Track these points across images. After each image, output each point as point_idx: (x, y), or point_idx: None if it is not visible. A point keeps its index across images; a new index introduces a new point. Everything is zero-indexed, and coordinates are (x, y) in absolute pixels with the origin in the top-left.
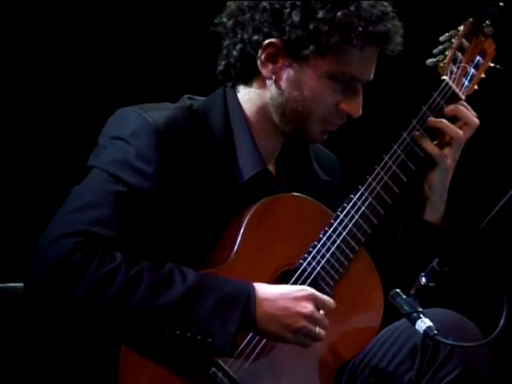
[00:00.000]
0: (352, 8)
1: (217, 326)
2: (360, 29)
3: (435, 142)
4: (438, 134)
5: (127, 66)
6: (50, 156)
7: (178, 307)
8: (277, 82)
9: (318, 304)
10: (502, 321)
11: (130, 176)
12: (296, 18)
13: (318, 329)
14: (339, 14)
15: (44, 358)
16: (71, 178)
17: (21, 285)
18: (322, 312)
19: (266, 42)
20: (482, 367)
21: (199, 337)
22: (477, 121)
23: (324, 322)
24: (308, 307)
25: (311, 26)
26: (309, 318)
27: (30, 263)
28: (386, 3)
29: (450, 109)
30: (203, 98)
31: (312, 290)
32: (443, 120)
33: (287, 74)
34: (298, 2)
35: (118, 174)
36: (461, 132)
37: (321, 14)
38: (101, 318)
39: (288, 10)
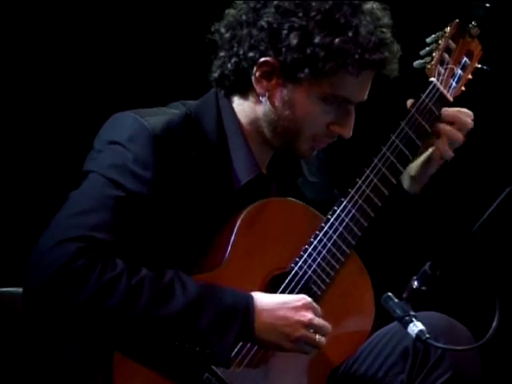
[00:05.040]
0: (350, 34)
1: (215, 338)
2: (356, 56)
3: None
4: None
5: (121, 70)
6: (47, 160)
7: (178, 319)
8: (270, 99)
9: (317, 311)
10: (493, 324)
11: (128, 181)
12: (293, 40)
13: (317, 336)
14: (337, 40)
15: (37, 362)
16: (68, 182)
17: (17, 289)
18: (320, 320)
19: (262, 60)
20: (473, 370)
21: (198, 348)
22: (471, 123)
23: (324, 328)
24: (307, 315)
25: (308, 51)
26: (308, 326)
27: (30, 268)
28: (384, 29)
29: (448, 113)
30: (194, 102)
31: (310, 299)
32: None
33: (280, 93)
34: (296, 25)
35: (116, 178)
36: (461, 136)
37: (318, 38)
38: (100, 326)
39: (286, 31)
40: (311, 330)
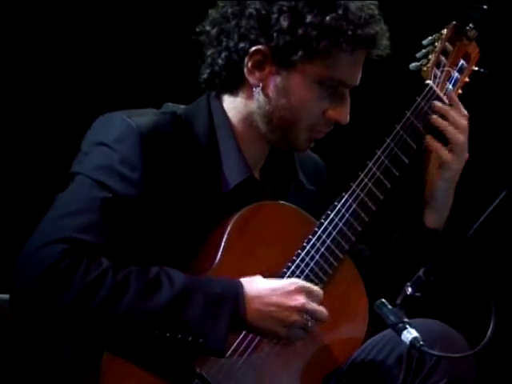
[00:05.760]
0: (340, 11)
1: (207, 326)
2: (349, 33)
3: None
4: (423, 139)
5: (109, 72)
6: (33, 164)
7: (167, 310)
8: (264, 90)
9: (310, 295)
10: (489, 331)
11: (115, 182)
12: (284, 23)
13: (311, 320)
14: (328, 18)
15: (30, 366)
16: (54, 186)
17: (5, 296)
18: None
19: (253, 49)
20: (468, 378)
21: (190, 338)
22: (466, 123)
23: (318, 312)
24: (300, 299)
25: (300, 31)
26: (301, 310)
27: (17, 270)
28: (372, 6)
29: (438, 106)
30: (185, 106)
31: (302, 282)
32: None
33: (274, 82)
34: (285, 8)
35: (102, 180)
36: (462, 136)
37: (309, 18)
38: (89, 324)
39: (275, 15)
40: (304, 315)
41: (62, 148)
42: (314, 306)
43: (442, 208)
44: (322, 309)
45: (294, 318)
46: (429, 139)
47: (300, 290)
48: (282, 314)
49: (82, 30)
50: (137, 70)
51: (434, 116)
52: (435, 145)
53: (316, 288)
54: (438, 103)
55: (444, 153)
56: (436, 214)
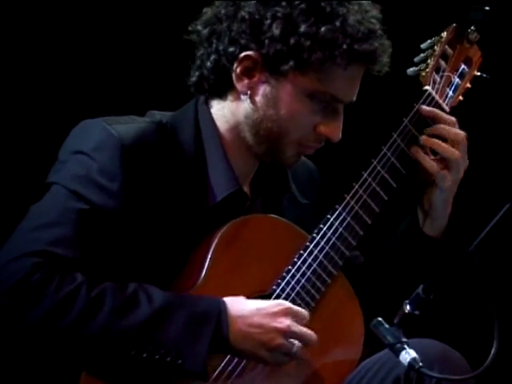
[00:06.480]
0: (337, 23)
1: (187, 347)
2: (345, 46)
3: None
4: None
5: (90, 76)
6: (7, 174)
7: (144, 328)
8: (252, 99)
9: (296, 318)
10: (492, 352)
11: (93, 193)
12: (276, 30)
13: (296, 345)
14: (323, 29)
15: None
16: (29, 195)
17: None
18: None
19: (243, 54)
20: None
21: (168, 359)
22: (462, 134)
23: (305, 336)
24: (285, 322)
25: (292, 41)
26: (287, 333)
27: None
28: (374, 20)
29: (430, 129)
30: (171, 113)
31: (289, 304)
32: (435, 140)
33: (263, 90)
34: (279, 14)
35: (79, 190)
36: (456, 151)
37: (303, 27)
38: (62, 342)
39: (268, 21)
40: (290, 339)
41: (38, 157)
42: (300, 328)
43: (440, 216)
44: (309, 332)
45: (278, 342)
46: (420, 158)
47: (286, 312)
48: (266, 336)
49: (65, 29)
50: (121, 73)
51: (424, 137)
52: (428, 164)
53: (302, 310)
54: (425, 108)
55: (436, 170)
56: (434, 221)
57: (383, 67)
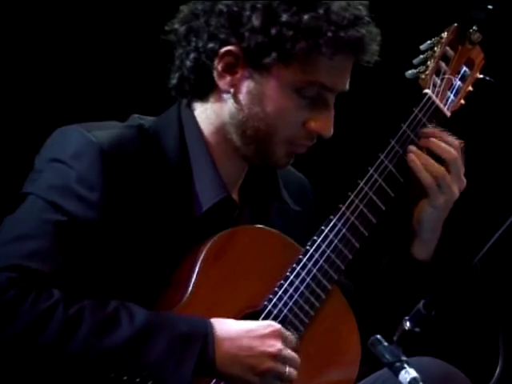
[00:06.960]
0: (321, 11)
1: (170, 370)
2: (329, 34)
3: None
4: None
5: (67, 81)
6: None
7: (125, 349)
8: (236, 97)
9: (287, 341)
10: (497, 371)
11: (71, 204)
12: (256, 21)
13: (287, 369)
14: (306, 17)
15: None
16: (3, 207)
17: None
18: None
19: (223, 50)
20: None
21: (150, 382)
22: (454, 153)
23: (294, 360)
24: (275, 345)
25: (273, 31)
26: (277, 357)
27: None
28: (360, 6)
29: (422, 142)
30: (154, 118)
31: (279, 326)
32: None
33: (247, 87)
34: (258, 5)
35: (56, 201)
36: (453, 151)
37: (285, 17)
38: (38, 362)
39: (248, 13)
40: (280, 362)
41: (13, 166)
42: (290, 352)
43: (428, 239)
44: (296, 356)
45: (267, 366)
46: (416, 168)
47: (276, 334)
48: (255, 359)
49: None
50: (101, 77)
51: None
52: (424, 175)
53: (291, 334)
54: (425, 130)
55: (430, 182)
56: (422, 243)
57: (372, 57)
